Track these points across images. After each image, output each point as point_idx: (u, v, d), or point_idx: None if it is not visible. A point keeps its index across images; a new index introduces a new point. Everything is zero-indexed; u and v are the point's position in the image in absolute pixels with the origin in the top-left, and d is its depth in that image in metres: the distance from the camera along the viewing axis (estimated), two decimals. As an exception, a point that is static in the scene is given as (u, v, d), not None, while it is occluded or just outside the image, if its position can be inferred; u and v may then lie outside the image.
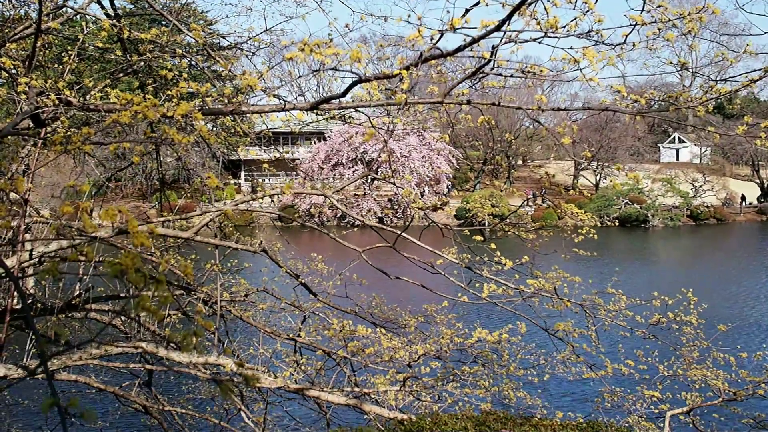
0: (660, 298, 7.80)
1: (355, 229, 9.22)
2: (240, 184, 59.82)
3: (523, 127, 64.65)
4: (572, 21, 3.41)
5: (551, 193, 58.47)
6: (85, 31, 5.89)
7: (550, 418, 6.83)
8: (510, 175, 65.43)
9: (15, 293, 5.84)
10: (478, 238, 6.46)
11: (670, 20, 3.40)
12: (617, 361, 8.07)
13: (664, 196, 54.69)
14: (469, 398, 8.29)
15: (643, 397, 8.07)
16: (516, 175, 67.20)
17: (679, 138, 79.04)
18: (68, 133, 3.39)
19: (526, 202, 6.39)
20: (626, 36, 3.52)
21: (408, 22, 3.61)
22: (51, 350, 5.24)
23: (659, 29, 3.47)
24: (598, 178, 62.65)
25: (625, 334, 7.50)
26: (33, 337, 5.83)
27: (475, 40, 3.52)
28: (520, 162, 69.90)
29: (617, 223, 49.76)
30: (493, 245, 6.52)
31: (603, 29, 3.48)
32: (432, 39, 3.59)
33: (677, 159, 77.15)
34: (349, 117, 6.04)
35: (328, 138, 54.40)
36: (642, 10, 3.44)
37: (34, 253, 5.06)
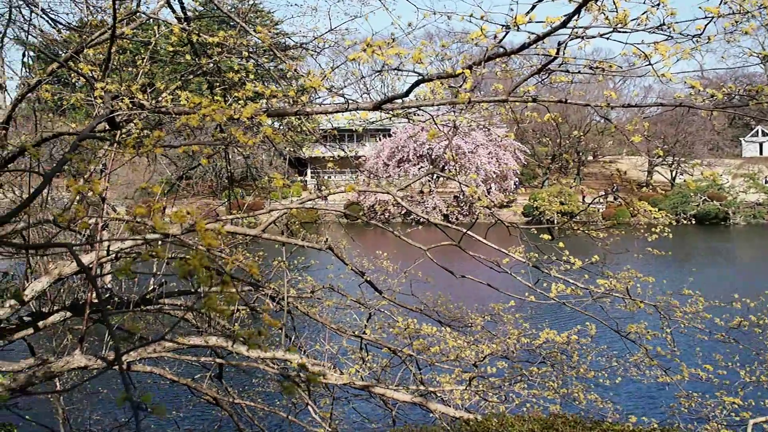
0: (741, 300, 7.46)
1: (420, 226, 9.19)
2: (306, 181, 60.68)
3: (594, 121, 62.90)
4: (643, 14, 3.27)
5: (624, 190, 56.80)
6: (157, 35, 6.08)
7: (622, 423, 6.64)
8: (580, 171, 63.86)
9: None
10: (546, 236, 6.34)
11: (748, 12, 3.21)
12: (694, 366, 7.75)
13: (746, 193, 52.18)
14: (537, 399, 8.14)
15: (723, 404, 7.72)
16: (586, 171, 65.52)
17: (762, 131, 75.20)
18: (140, 135, 3.51)
19: (590, 203, 6.23)
20: (702, 29, 3.35)
21: (471, 18, 3.55)
22: (127, 344, 5.46)
23: (736, 21, 3.28)
24: (674, 173, 60.36)
25: (702, 337, 7.20)
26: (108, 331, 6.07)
27: (540, 38, 3.43)
28: (590, 157, 68.10)
29: (695, 221, 47.76)
30: (561, 244, 6.38)
31: (676, 22, 3.32)
32: (496, 37, 3.52)
33: (761, 153, 73.40)
34: (413, 115, 6.02)
35: (393, 134, 54.40)
36: (721, 2, 3.26)
37: (111, 249, 5.28)
